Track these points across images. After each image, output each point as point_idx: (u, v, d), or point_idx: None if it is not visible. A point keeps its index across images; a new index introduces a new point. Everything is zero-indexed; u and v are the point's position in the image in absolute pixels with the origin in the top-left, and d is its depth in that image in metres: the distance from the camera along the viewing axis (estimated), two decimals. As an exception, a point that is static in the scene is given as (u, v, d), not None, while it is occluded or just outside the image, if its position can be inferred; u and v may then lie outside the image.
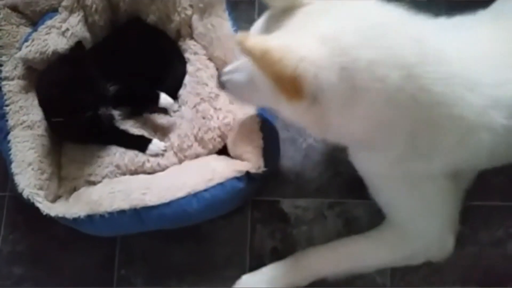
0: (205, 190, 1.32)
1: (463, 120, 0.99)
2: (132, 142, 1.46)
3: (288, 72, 0.86)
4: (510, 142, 1.07)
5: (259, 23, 1.08)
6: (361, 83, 0.89)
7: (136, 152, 1.45)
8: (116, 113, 1.46)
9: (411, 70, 0.90)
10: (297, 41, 0.89)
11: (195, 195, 1.31)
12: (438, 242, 1.29)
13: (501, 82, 1.01)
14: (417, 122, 0.97)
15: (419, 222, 1.27)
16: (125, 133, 1.47)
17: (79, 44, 1.43)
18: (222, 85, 1.24)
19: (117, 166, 1.44)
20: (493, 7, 1.24)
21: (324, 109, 0.94)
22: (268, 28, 1.02)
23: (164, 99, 1.45)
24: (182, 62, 1.54)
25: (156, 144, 1.44)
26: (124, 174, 1.45)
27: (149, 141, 1.44)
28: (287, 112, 1.01)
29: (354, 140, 1.11)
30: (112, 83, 1.39)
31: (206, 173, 1.35)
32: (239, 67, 1.17)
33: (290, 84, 0.88)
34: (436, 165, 1.11)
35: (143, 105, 1.51)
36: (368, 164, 1.21)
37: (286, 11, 0.99)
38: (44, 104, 1.38)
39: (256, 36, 0.91)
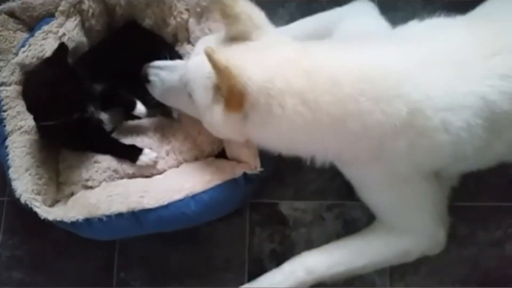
0: (203, 192, 1.32)
1: (385, 127, 1.08)
2: (123, 152, 1.44)
3: (239, 87, 1.07)
4: (476, 144, 1.12)
5: (209, 40, 1.25)
6: (272, 107, 1.10)
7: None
8: (105, 117, 1.44)
9: (303, 96, 1.08)
10: (249, 64, 1.10)
11: (193, 197, 1.32)
12: (430, 237, 1.30)
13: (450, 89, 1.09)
14: (328, 135, 1.14)
15: (406, 221, 1.30)
16: (116, 142, 1.46)
17: (62, 46, 1.41)
18: (145, 76, 1.36)
19: (115, 171, 1.44)
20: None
21: (249, 123, 1.16)
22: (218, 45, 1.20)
23: (139, 109, 1.44)
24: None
25: (147, 155, 1.41)
26: (122, 178, 1.44)
27: (140, 151, 1.41)
28: (215, 119, 1.19)
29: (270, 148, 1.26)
30: (100, 83, 1.38)
31: (203, 175, 1.35)
32: (172, 67, 1.33)
33: (236, 97, 1.09)
34: (402, 167, 1.18)
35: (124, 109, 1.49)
36: (350, 170, 1.32)
37: (235, 40, 1.19)
38: (32, 108, 1.35)
39: (221, 52, 1.07)
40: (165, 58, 1.38)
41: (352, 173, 1.31)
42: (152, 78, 1.35)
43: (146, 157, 1.41)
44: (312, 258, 1.36)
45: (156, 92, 1.38)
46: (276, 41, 1.18)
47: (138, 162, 1.41)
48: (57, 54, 1.38)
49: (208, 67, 1.09)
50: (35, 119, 1.37)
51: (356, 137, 1.12)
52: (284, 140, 1.19)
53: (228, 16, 1.16)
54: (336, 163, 1.28)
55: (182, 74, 1.27)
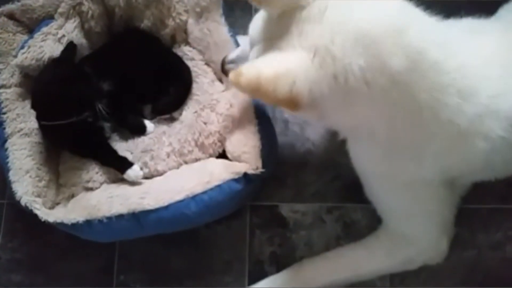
0: (203, 193, 1.32)
1: (452, 126, 1.00)
2: (114, 161, 1.43)
3: (283, 97, 0.91)
4: (506, 156, 1.09)
5: (258, 20, 1.07)
6: (351, 87, 0.93)
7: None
8: (107, 125, 1.46)
9: (396, 77, 0.93)
10: (287, 64, 0.93)
11: (193, 197, 1.31)
12: (433, 246, 1.30)
13: (501, 93, 1.03)
14: (400, 123, 1.00)
15: (413, 226, 1.28)
16: (110, 151, 1.45)
17: (70, 45, 1.44)
18: (225, 72, 1.27)
19: (115, 173, 1.44)
20: (500, 14, 1.26)
21: (321, 110, 0.98)
22: (266, 31, 1.04)
23: (148, 130, 1.46)
24: (188, 71, 1.53)
25: (135, 170, 1.40)
26: (122, 180, 1.44)
27: (129, 165, 1.40)
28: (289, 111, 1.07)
29: (349, 129, 1.13)
30: (107, 82, 1.39)
31: (204, 176, 1.35)
32: (242, 54, 1.21)
33: (287, 103, 0.93)
34: (428, 168, 1.12)
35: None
36: (362, 157, 1.22)
37: (283, 14, 0.99)
38: (38, 106, 1.37)
39: (246, 72, 0.92)
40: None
41: (367, 162, 1.21)
42: None
43: (133, 172, 1.40)
44: (313, 265, 1.36)
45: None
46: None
47: (125, 176, 1.40)
48: (65, 53, 1.41)
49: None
50: (42, 119, 1.37)
51: (419, 129, 1.02)
52: (357, 122, 1.04)
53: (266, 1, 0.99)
54: (356, 148, 1.20)
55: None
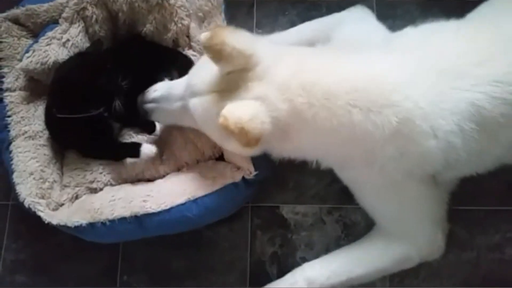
0: (205, 196, 1.34)
1: (375, 136, 1.11)
2: (125, 150, 1.45)
3: (256, 135, 1.08)
4: (472, 149, 1.13)
5: (203, 77, 1.21)
6: (287, 132, 1.14)
7: (136, 160, 1.45)
8: (116, 126, 1.48)
9: (302, 115, 1.11)
10: (253, 108, 1.10)
11: (195, 201, 1.34)
12: (428, 242, 1.31)
13: (439, 96, 1.11)
14: (335, 142, 1.16)
15: (405, 226, 1.30)
16: (117, 144, 1.48)
17: (97, 41, 1.46)
18: (145, 112, 1.36)
19: (119, 173, 1.46)
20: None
21: (267, 146, 1.20)
22: (214, 84, 1.19)
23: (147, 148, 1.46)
24: (187, 58, 1.55)
25: (147, 148, 1.43)
26: (125, 180, 1.46)
27: (139, 145, 1.43)
28: (232, 148, 1.22)
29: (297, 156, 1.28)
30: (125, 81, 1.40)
31: (205, 179, 1.37)
32: (168, 96, 1.32)
33: (253, 141, 1.08)
34: (389, 171, 1.18)
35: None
36: (340, 172, 1.34)
37: (232, 72, 1.16)
38: (60, 95, 1.38)
39: (231, 115, 1.07)
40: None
41: (349, 179, 1.33)
42: (153, 116, 1.37)
43: (147, 149, 1.43)
44: (313, 269, 1.37)
45: (162, 122, 1.44)
46: (271, 62, 1.16)
47: (142, 156, 1.42)
48: (91, 48, 1.45)
49: (213, 109, 1.15)
50: (58, 111, 1.38)
51: (349, 145, 1.15)
52: (296, 149, 1.24)
53: (220, 59, 1.13)
54: (335, 169, 1.31)
55: (182, 97, 1.28)
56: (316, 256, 1.47)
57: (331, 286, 1.34)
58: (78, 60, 1.43)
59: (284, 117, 1.11)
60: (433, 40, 1.20)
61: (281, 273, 1.46)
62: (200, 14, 1.52)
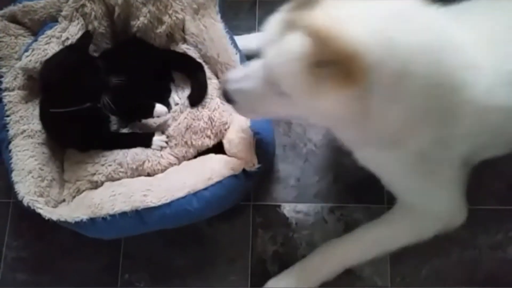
0: (205, 189, 1.34)
1: (471, 105, 1.01)
2: (137, 140, 1.48)
3: (352, 50, 0.80)
4: None
5: (277, 19, 0.95)
6: (407, 69, 0.86)
7: (137, 151, 1.46)
8: (113, 119, 1.47)
9: (438, 57, 0.91)
10: (364, 17, 0.83)
11: (195, 194, 1.33)
12: (454, 209, 1.29)
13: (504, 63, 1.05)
14: (442, 111, 0.99)
15: (432, 198, 1.26)
16: (127, 134, 1.50)
17: (87, 34, 1.44)
18: (228, 96, 1.13)
19: (120, 164, 1.45)
20: None
21: (373, 99, 0.87)
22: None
23: (160, 107, 1.47)
24: (202, 69, 1.54)
25: (158, 138, 1.46)
26: (125, 172, 1.46)
27: (152, 135, 1.46)
28: (326, 105, 0.90)
29: (384, 136, 1.02)
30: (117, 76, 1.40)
31: (204, 172, 1.37)
32: (248, 74, 1.08)
33: (348, 64, 0.81)
34: (458, 151, 1.13)
35: (139, 114, 1.52)
36: (383, 162, 1.19)
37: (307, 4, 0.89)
38: (46, 90, 1.38)
39: (319, 11, 0.82)
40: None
41: (387, 157, 1.15)
42: (236, 98, 1.12)
43: (157, 139, 1.46)
44: (341, 246, 1.37)
45: (243, 110, 1.17)
46: None
47: (153, 146, 1.45)
48: (80, 41, 1.42)
49: (294, 48, 0.86)
50: (48, 105, 1.38)
51: (453, 114, 1.02)
52: (406, 115, 0.95)
53: None
54: (374, 161, 1.20)
55: (265, 74, 1.01)
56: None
57: (359, 261, 1.36)
58: (63, 54, 1.40)
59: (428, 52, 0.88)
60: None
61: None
62: (195, 6, 1.51)
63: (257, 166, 1.35)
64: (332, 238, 1.48)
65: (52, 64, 1.37)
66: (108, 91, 1.37)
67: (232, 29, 1.51)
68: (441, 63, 0.92)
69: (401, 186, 1.28)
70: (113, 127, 1.49)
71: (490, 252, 1.46)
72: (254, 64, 1.06)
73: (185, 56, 1.56)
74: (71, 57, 1.35)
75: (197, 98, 1.49)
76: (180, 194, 1.33)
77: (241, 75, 1.10)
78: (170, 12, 1.52)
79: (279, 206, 1.53)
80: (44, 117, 1.45)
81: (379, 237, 1.36)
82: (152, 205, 1.32)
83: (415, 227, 1.31)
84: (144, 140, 1.47)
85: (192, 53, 1.55)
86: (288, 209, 1.53)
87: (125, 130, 1.52)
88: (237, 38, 1.53)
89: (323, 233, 1.51)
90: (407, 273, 1.44)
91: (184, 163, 1.46)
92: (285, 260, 1.49)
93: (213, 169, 1.37)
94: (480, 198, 1.47)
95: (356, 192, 1.40)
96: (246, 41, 1.55)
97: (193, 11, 1.52)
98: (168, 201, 1.32)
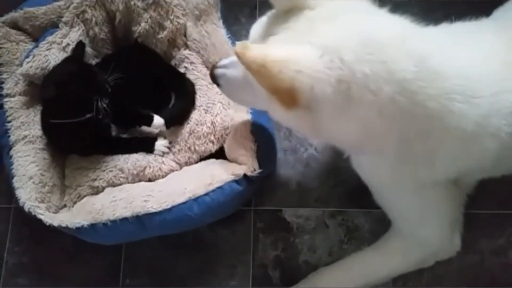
0: (206, 194, 1.33)
1: (459, 131, 1.00)
2: (139, 144, 1.47)
3: (285, 85, 0.88)
4: None
5: (262, 22, 1.05)
6: (355, 95, 0.91)
7: (138, 157, 1.46)
8: (114, 127, 1.48)
9: (405, 85, 0.91)
10: (296, 52, 0.90)
11: (196, 199, 1.33)
12: (447, 243, 1.30)
13: (502, 90, 1.03)
14: (410, 133, 0.99)
15: (427, 227, 1.28)
16: (129, 139, 1.50)
17: (80, 44, 1.45)
18: (215, 78, 1.23)
19: (121, 170, 1.45)
20: (496, 15, 1.25)
21: (317, 117, 0.95)
22: (270, 29, 1.01)
23: (158, 120, 1.47)
24: (192, 85, 1.54)
25: (161, 143, 1.46)
26: (126, 178, 1.46)
27: (155, 140, 1.46)
28: (279, 116, 1.02)
29: (347, 145, 1.12)
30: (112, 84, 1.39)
31: (205, 178, 1.36)
32: (233, 62, 1.17)
33: (286, 95, 0.90)
34: (441, 172, 1.12)
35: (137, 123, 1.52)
36: (370, 170, 1.21)
37: (290, 12, 0.98)
38: (47, 104, 1.39)
39: (254, 48, 0.89)
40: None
41: (376, 174, 1.20)
42: (220, 81, 1.22)
43: (160, 144, 1.46)
44: (330, 275, 1.37)
45: (226, 91, 1.27)
46: (349, 6, 0.96)
47: (156, 152, 1.46)
48: (75, 52, 1.43)
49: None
50: (49, 116, 1.39)
51: (429, 137, 1.01)
52: (358, 133, 1.00)
53: None
54: (362, 167, 1.22)
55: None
56: (319, 259, 1.48)
57: None
58: (60, 68, 1.41)
59: (354, 85, 0.89)
60: (473, 39, 1.12)
61: (284, 277, 1.48)
62: (196, 12, 1.51)
63: (258, 171, 1.34)
64: (334, 242, 1.50)
65: (49, 80, 1.38)
66: (106, 95, 1.37)
67: (233, 33, 1.51)
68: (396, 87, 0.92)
69: (393, 206, 1.30)
70: (113, 132, 1.49)
71: (492, 257, 1.45)
72: None
73: (177, 74, 1.55)
74: (66, 71, 1.36)
75: (176, 120, 1.49)
76: (181, 199, 1.33)
77: (228, 62, 1.19)
78: (171, 17, 1.52)
79: (280, 211, 1.53)
80: (46, 126, 1.46)
81: (371, 266, 1.36)
82: (153, 210, 1.32)
83: (409, 256, 1.32)
84: (146, 145, 1.47)
85: (194, 58, 1.55)
86: (289, 214, 1.53)
87: (125, 136, 1.52)
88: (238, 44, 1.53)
89: (324, 237, 1.51)
90: (409, 277, 1.42)
91: (185, 168, 1.46)
92: (286, 265, 1.49)
93: (214, 174, 1.36)
94: (482, 202, 1.46)
95: (357, 197, 1.40)
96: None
97: (195, 17, 1.52)
98: (168, 206, 1.32)
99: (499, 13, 1.26)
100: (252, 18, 1.65)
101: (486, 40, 1.11)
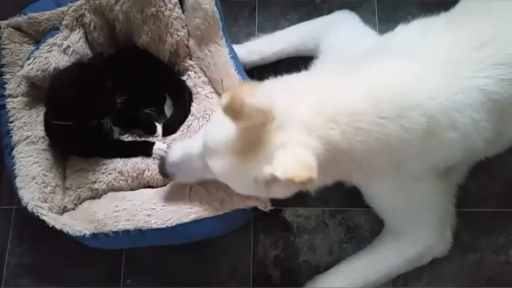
0: (211, 218, 1.35)
1: (411, 141, 1.10)
2: (137, 148, 1.48)
3: (309, 177, 0.98)
4: (486, 136, 1.14)
5: (218, 138, 1.14)
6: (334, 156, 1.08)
7: (137, 160, 1.47)
8: (116, 129, 1.49)
9: (337, 145, 1.07)
10: (297, 153, 1.03)
11: (201, 221, 1.34)
12: (439, 238, 1.32)
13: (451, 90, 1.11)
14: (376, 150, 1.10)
15: (417, 224, 1.31)
16: (128, 142, 1.51)
17: (99, 54, 1.46)
18: (166, 175, 1.33)
19: (120, 172, 1.46)
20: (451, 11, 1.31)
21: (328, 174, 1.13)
22: (235, 146, 1.11)
23: (158, 133, 1.50)
24: (189, 93, 1.55)
25: (159, 147, 1.46)
26: (126, 181, 1.46)
27: (152, 144, 1.47)
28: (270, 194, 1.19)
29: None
30: (120, 96, 1.40)
31: (213, 200, 1.36)
32: (186, 157, 1.27)
33: (308, 182, 0.99)
34: (415, 169, 1.18)
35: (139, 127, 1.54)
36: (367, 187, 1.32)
37: (252, 129, 1.08)
38: (54, 105, 1.39)
39: (292, 168, 0.99)
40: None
41: (367, 186, 1.31)
42: (177, 179, 1.34)
43: (158, 148, 1.46)
44: (328, 281, 1.37)
45: (188, 181, 1.37)
46: (288, 109, 1.09)
47: (154, 155, 1.46)
48: (92, 60, 1.44)
49: (237, 169, 1.11)
50: (52, 117, 1.39)
51: (385, 156, 1.12)
52: (333, 177, 1.22)
53: (239, 118, 1.05)
54: (359, 183, 1.30)
55: (201, 156, 1.23)
56: (319, 259, 1.48)
57: None
58: (74, 71, 1.42)
59: (321, 152, 1.05)
60: (426, 36, 1.20)
61: (284, 276, 1.48)
62: (198, 33, 1.51)
63: (269, 208, 1.36)
64: (334, 242, 1.50)
65: (64, 81, 1.38)
66: (114, 112, 1.39)
67: (231, 35, 1.52)
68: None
69: (384, 206, 1.34)
70: (115, 135, 1.50)
71: (492, 255, 1.45)
72: (193, 147, 1.27)
73: (177, 81, 1.57)
74: (83, 76, 1.37)
75: (171, 130, 1.51)
76: (186, 219, 1.34)
77: (180, 158, 1.29)
78: (171, 30, 1.52)
79: (280, 210, 1.53)
80: (48, 127, 1.47)
81: (368, 267, 1.37)
82: (156, 226, 1.33)
83: (404, 253, 1.33)
84: (144, 149, 1.47)
85: (198, 70, 1.56)
86: (289, 213, 1.53)
87: (125, 136, 1.53)
88: (237, 47, 1.54)
89: (324, 237, 1.51)
90: (409, 277, 1.43)
91: (195, 186, 1.41)
92: (286, 265, 1.49)
93: (224, 199, 1.36)
94: (482, 201, 1.46)
95: (357, 197, 1.39)
96: (248, 51, 1.58)
97: (197, 37, 1.52)
98: (173, 224, 1.34)
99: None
100: (251, 19, 1.67)
101: (436, 38, 1.19)
